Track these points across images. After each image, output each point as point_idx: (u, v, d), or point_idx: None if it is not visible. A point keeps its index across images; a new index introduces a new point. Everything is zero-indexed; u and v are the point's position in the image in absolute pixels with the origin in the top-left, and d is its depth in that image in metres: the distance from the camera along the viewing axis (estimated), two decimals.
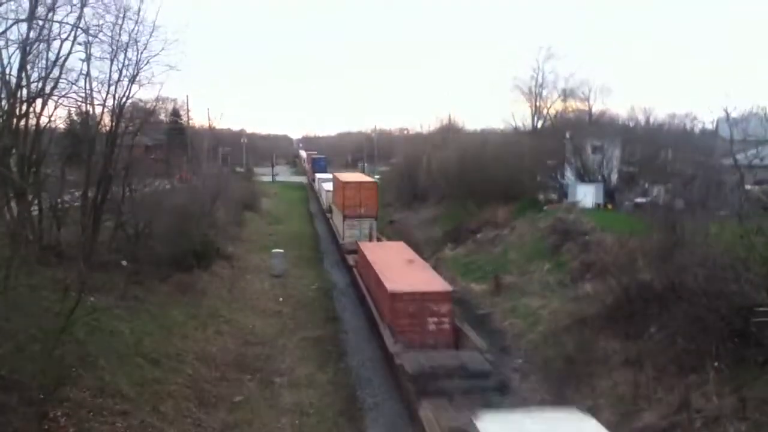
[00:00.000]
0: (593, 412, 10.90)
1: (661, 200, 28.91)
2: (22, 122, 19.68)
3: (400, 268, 21.54)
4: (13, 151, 19.00)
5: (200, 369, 17.63)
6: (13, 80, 18.79)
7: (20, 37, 18.40)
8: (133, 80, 22.97)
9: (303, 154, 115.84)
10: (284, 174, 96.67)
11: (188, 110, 53.03)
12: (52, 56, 19.88)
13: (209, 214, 32.56)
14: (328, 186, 47.98)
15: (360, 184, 35.43)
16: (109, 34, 21.29)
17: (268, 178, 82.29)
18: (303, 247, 40.00)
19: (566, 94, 54.91)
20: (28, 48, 18.50)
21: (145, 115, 28.19)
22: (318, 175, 66.86)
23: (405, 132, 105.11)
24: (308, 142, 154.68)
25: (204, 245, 27.66)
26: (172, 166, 39.38)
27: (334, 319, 24.74)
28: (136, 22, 22.01)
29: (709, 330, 14.20)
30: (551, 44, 55.51)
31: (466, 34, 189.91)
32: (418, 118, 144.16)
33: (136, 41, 22.29)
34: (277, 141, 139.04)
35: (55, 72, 19.85)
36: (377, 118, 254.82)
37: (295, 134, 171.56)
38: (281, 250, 33.23)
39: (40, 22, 18.61)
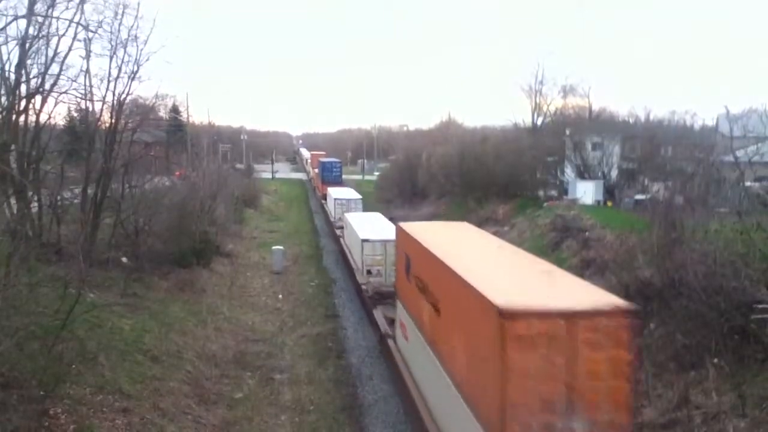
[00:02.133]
0: None
1: (660, 197, 28.88)
2: (22, 119, 19.71)
3: None
4: (13, 147, 19.01)
5: (200, 366, 17.63)
6: (13, 77, 18.85)
7: (19, 33, 18.47)
8: (132, 77, 23.02)
9: (305, 153, 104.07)
10: (284, 171, 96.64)
11: (188, 107, 53.02)
12: (51, 53, 19.99)
13: (209, 211, 32.54)
14: (365, 231, 24.37)
15: (572, 323, 7.80)
16: (109, 30, 21.35)
17: (267, 175, 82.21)
18: (303, 244, 39.99)
19: (566, 91, 55.01)
20: (27, 44, 18.52)
21: (144, 111, 28.19)
22: (334, 193, 41.36)
23: (405, 128, 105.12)
24: (308, 138, 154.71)
25: (204, 242, 27.65)
26: (172, 163, 39.38)
27: (333, 316, 24.72)
28: (136, 18, 22.04)
29: (708, 327, 14.20)
30: (552, 41, 55.56)
31: (467, 31, 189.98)
32: (419, 115, 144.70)
33: (136, 37, 22.34)
34: (277, 138, 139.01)
35: (55, 68, 19.96)
36: (378, 114, 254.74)
37: (295, 131, 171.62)
38: (281, 247, 33.23)
39: (40, 19, 18.64)
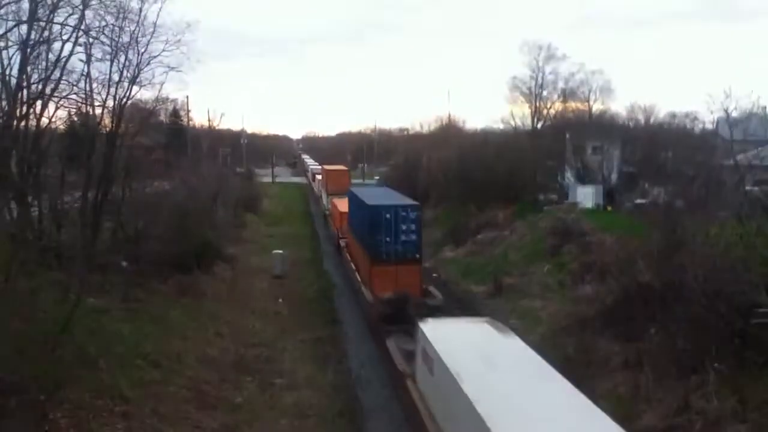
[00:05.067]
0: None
1: (661, 201, 28.89)
2: (23, 124, 19.72)
3: None
4: (14, 152, 19.02)
5: (200, 370, 17.62)
6: (14, 81, 18.86)
7: (21, 38, 18.47)
8: (133, 81, 23.04)
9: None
10: (284, 175, 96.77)
11: (188, 111, 52.93)
12: (52, 57, 19.96)
13: (209, 215, 32.55)
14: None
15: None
16: (110, 35, 21.35)
17: (268, 179, 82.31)
18: (303, 248, 39.97)
19: (566, 95, 55.06)
20: (28, 49, 18.54)
21: (145, 115, 28.21)
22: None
23: (405, 132, 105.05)
24: (308, 142, 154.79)
25: (204, 246, 27.64)
26: (172, 167, 39.33)
27: (333, 321, 24.72)
28: (137, 23, 22.08)
29: (709, 331, 14.18)
30: (551, 44, 55.34)
31: (466, 34, 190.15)
32: (419, 118, 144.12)
33: (137, 42, 22.37)
34: (277, 141, 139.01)
35: (56, 73, 19.93)
36: (377, 117, 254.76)
37: (295, 134, 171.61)
38: (281, 251, 33.21)
39: (41, 24, 18.65)
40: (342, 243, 32.41)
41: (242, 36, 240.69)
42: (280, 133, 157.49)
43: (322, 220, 49.49)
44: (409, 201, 24.37)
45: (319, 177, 59.37)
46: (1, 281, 11.82)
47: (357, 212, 25.90)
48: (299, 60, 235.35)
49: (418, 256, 21.75)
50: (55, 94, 20.23)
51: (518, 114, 57.54)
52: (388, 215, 21.43)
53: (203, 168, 41.97)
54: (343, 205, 32.64)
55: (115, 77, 22.57)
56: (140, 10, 22.14)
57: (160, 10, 22.46)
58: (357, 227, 25.92)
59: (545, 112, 56.24)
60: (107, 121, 23.89)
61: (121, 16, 21.29)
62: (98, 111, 23.70)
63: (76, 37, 19.96)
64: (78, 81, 21.15)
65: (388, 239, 21.37)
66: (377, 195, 26.88)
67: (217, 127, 65.27)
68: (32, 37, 18.54)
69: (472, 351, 11.68)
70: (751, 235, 15.54)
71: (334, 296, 28.44)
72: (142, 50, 22.57)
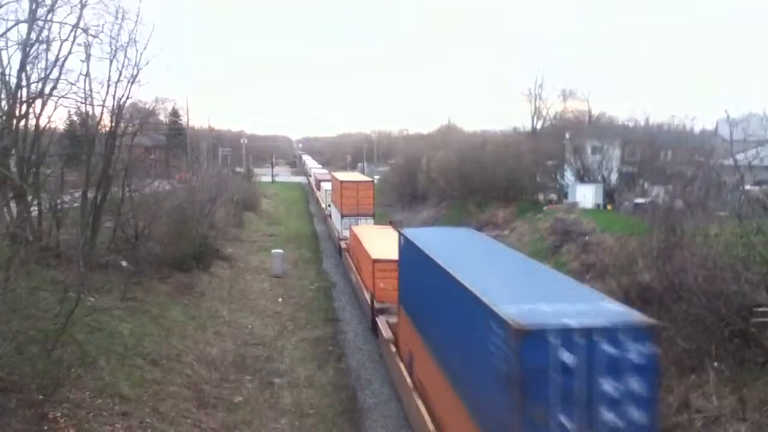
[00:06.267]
0: None
1: (660, 201, 28.91)
2: (22, 123, 19.74)
3: None
4: (13, 151, 19.04)
5: (200, 370, 17.60)
6: (13, 81, 18.89)
7: (20, 38, 18.51)
8: (132, 80, 23.03)
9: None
10: (284, 174, 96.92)
11: (188, 111, 52.94)
12: (51, 57, 20.00)
13: (209, 215, 32.54)
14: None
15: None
16: (109, 34, 21.37)
17: (268, 179, 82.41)
18: (302, 247, 39.99)
19: (566, 95, 55.16)
20: (28, 49, 18.56)
21: (144, 115, 28.22)
22: None
23: (405, 133, 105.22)
24: (308, 143, 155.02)
25: (203, 246, 27.64)
26: (172, 167, 39.34)
27: (333, 320, 24.73)
28: (136, 23, 22.09)
29: (708, 330, 14.18)
30: (551, 46, 55.67)
31: (466, 36, 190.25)
32: (418, 119, 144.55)
33: (136, 42, 22.37)
34: (277, 142, 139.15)
35: (55, 72, 19.98)
36: (377, 119, 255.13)
37: (295, 135, 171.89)
38: (281, 251, 33.22)
39: (40, 23, 18.68)
40: (385, 331, 18.00)
41: (243, 38, 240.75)
42: (280, 134, 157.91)
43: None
44: (623, 312, 8.35)
45: (326, 187, 45.06)
46: (1, 281, 11.79)
47: (439, 303, 11.32)
48: (300, 61, 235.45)
49: None
50: (55, 94, 20.28)
51: (518, 114, 57.79)
52: (568, 357, 7.56)
53: (203, 168, 41.96)
54: (373, 244, 22.04)
55: (115, 76, 22.58)
56: (139, 9, 22.20)
57: (159, 9, 22.49)
58: (444, 345, 11.19)
59: (545, 112, 56.36)
60: (107, 120, 23.90)
61: (119, 15, 21.33)
62: (97, 110, 23.71)
63: (75, 37, 19.99)
64: (77, 80, 21.18)
65: (566, 420, 7.56)
66: (501, 280, 10.14)
67: (216, 128, 65.36)
68: (31, 36, 18.58)
69: None
70: (750, 234, 15.53)
71: (333, 295, 28.49)
72: (142, 49, 22.59)
